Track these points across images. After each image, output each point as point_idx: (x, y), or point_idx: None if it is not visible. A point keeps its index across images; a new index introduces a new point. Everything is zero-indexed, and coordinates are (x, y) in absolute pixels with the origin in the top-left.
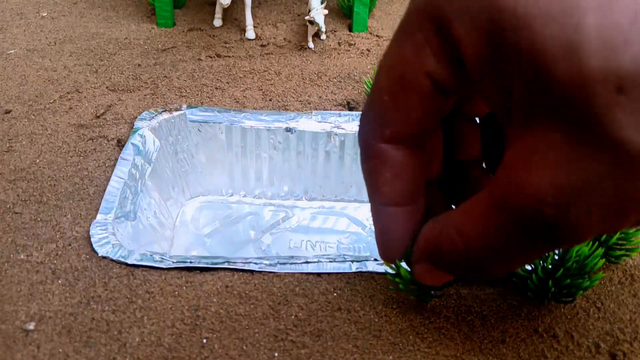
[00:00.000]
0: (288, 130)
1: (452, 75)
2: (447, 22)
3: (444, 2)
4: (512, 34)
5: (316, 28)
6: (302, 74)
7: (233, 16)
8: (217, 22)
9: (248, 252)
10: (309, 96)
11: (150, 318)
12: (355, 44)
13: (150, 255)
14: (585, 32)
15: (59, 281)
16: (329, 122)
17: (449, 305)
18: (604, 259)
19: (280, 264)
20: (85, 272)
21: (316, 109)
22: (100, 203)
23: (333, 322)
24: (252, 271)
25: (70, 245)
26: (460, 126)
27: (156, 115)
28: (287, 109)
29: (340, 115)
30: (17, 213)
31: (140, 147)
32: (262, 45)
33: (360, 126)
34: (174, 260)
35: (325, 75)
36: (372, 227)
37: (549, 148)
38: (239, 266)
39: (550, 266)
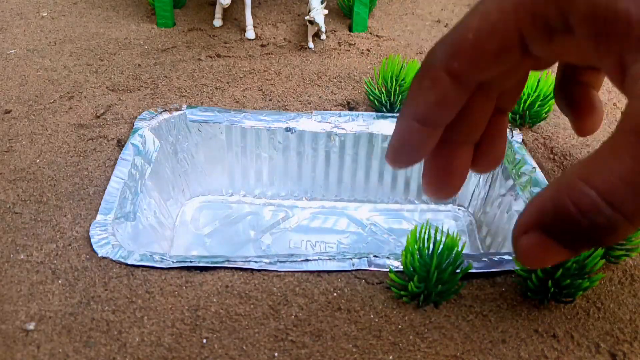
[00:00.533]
0: (288, 130)
1: (543, 38)
2: None
3: None
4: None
5: (316, 28)
6: (302, 74)
7: (233, 16)
8: (217, 22)
9: (248, 252)
10: (309, 96)
11: (150, 318)
12: (355, 44)
13: (150, 256)
14: None
15: (59, 281)
16: (329, 122)
17: (449, 305)
18: (603, 260)
19: (280, 262)
20: (85, 272)
21: (316, 109)
22: (100, 203)
23: (333, 322)
24: (252, 270)
25: (70, 245)
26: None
27: (156, 115)
28: (287, 109)
29: (340, 115)
30: (17, 213)
31: (140, 147)
32: (262, 45)
33: (433, 49)
34: (174, 261)
35: (325, 75)
36: (373, 227)
37: None
38: (239, 265)
39: (550, 267)
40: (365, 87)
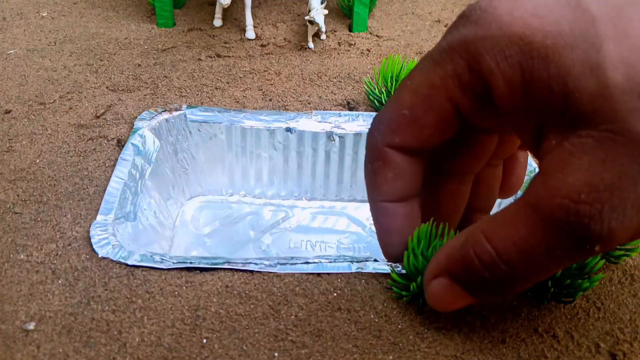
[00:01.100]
0: (288, 130)
1: (474, 107)
2: (479, 57)
3: (477, 40)
4: (542, 62)
5: (316, 28)
6: (302, 74)
7: (233, 16)
8: (217, 22)
9: (248, 252)
10: (309, 96)
11: (150, 318)
12: (355, 44)
13: (151, 256)
14: (607, 54)
15: (59, 281)
16: (329, 122)
17: None
18: (603, 260)
19: (280, 264)
20: (85, 272)
21: (316, 109)
22: (100, 203)
23: (333, 322)
24: (252, 271)
25: (70, 245)
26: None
27: (156, 115)
28: (287, 109)
29: (340, 115)
30: (17, 213)
31: (140, 147)
32: (262, 45)
33: (371, 130)
34: (174, 261)
35: (325, 75)
36: (372, 227)
37: (583, 152)
38: (239, 266)
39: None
40: (365, 87)
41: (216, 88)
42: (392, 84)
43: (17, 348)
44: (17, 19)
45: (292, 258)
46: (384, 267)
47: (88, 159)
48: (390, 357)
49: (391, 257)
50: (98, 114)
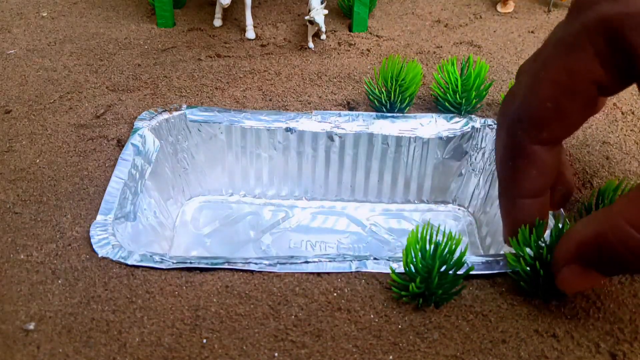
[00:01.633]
0: (288, 130)
1: (615, 78)
2: (624, 33)
3: (619, 17)
4: None
5: (316, 28)
6: (302, 74)
7: (233, 16)
8: (217, 22)
9: (248, 252)
10: (309, 96)
11: (150, 318)
12: (355, 44)
13: (150, 256)
14: None
15: (59, 281)
16: (329, 122)
17: (449, 305)
18: None
19: (280, 264)
20: (85, 272)
21: (316, 109)
22: (100, 203)
23: (333, 322)
24: (252, 270)
25: (70, 245)
26: None
27: (156, 115)
28: (287, 109)
29: (340, 115)
30: (17, 213)
31: (140, 147)
32: (262, 45)
33: (511, 128)
34: (174, 261)
35: (325, 75)
36: (372, 227)
37: None
38: (239, 266)
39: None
40: (365, 87)
41: (216, 88)
42: (392, 84)
43: (17, 348)
44: (17, 19)
45: (292, 257)
46: (384, 267)
47: (88, 159)
48: (390, 357)
49: (514, 245)
50: (98, 114)
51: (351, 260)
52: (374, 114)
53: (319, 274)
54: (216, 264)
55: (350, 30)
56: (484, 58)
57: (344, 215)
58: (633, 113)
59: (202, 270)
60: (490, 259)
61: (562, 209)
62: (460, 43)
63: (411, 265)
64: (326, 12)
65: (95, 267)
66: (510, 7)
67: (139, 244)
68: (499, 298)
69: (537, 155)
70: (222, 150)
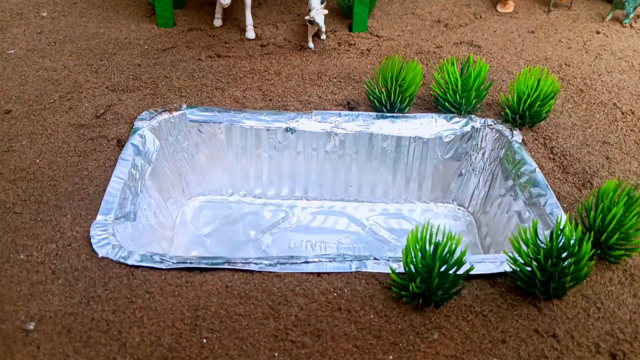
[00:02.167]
0: (288, 130)
1: None
2: None
3: None
4: None
5: (316, 28)
6: (302, 74)
7: (233, 16)
8: (217, 22)
9: (248, 252)
10: (309, 96)
11: (150, 318)
12: (355, 44)
13: (150, 256)
14: None
15: (59, 281)
16: (329, 122)
17: (449, 305)
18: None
19: (280, 264)
20: (85, 272)
21: (316, 109)
22: (100, 203)
23: (333, 322)
24: (252, 270)
25: (70, 245)
26: None
27: (156, 115)
28: (287, 109)
29: (340, 115)
30: (17, 213)
31: (140, 147)
32: (262, 45)
33: None
34: (174, 261)
35: (325, 75)
36: (372, 227)
37: None
38: (239, 266)
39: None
40: (365, 87)
41: (216, 88)
42: (392, 84)
43: (17, 348)
44: (17, 19)
45: (292, 257)
46: (384, 267)
47: (88, 159)
48: (390, 357)
49: None
50: (98, 114)
51: (351, 260)
52: (374, 114)
53: (319, 274)
54: (216, 264)
55: (350, 30)
56: (484, 58)
57: (344, 215)
58: (633, 113)
59: (202, 270)
60: (491, 258)
61: (562, 209)
62: (460, 43)
63: (411, 265)
64: (326, 12)
65: (95, 267)
66: (510, 7)
67: (139, 244)
68: (498, 298)
69: None
70: (222, 150)
